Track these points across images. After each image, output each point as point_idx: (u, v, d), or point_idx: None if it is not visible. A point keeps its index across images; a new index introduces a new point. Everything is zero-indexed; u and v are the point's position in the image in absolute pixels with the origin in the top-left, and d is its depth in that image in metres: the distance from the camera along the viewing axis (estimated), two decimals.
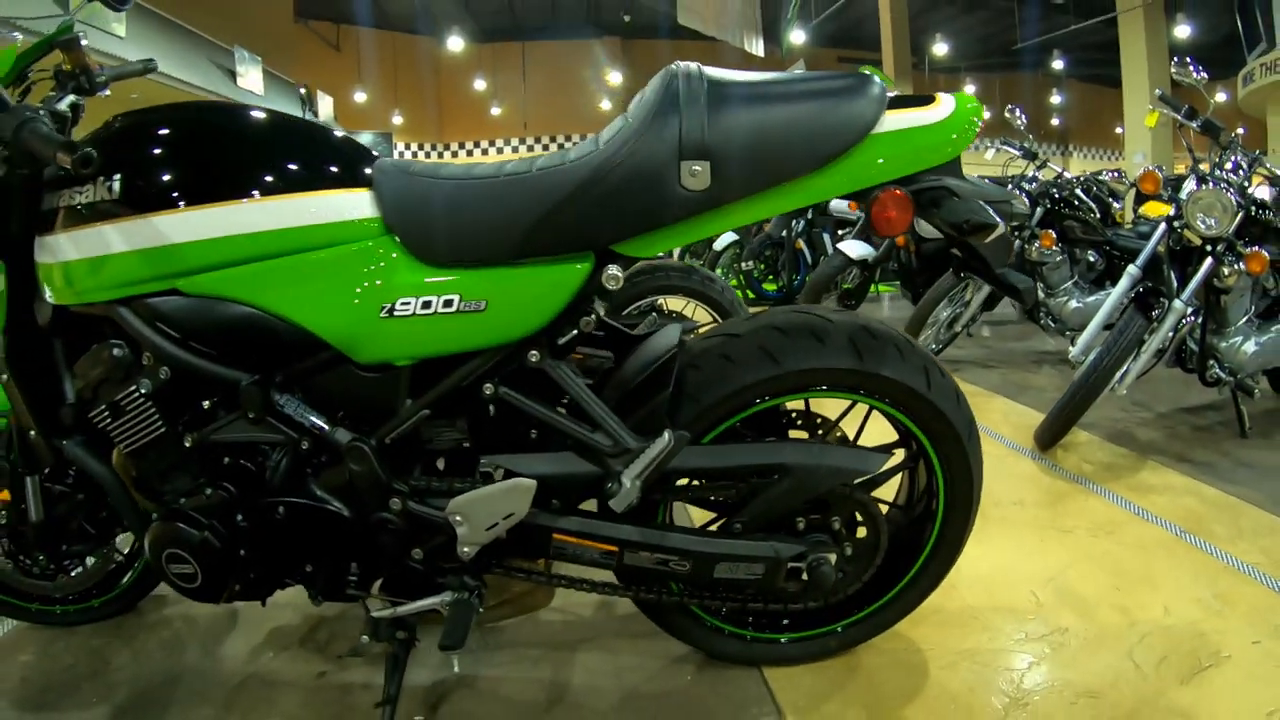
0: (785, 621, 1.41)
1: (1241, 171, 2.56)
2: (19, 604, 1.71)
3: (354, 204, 1.14)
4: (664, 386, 1.17)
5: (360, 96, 17.10)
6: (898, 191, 1.07)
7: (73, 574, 1.67)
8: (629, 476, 1.13)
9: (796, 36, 14.15)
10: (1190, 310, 2.58)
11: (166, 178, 1.14)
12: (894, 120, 1.07)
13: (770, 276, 6.58)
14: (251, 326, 1.15)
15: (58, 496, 1.53)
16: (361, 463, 1.19)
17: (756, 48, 13.34)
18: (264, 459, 1.27)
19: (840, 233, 6.15)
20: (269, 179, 1.14)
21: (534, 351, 1.16)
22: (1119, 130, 21.39)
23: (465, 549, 1.21)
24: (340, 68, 17.82)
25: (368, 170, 1.18)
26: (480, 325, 1.12)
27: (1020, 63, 18.62)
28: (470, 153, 21.41)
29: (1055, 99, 20.99)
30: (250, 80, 8.35)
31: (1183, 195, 2.56)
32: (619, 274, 1.10)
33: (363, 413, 1.21)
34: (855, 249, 4.45)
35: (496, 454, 1.20)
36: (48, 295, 1.23)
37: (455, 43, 15.76)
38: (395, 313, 1.12)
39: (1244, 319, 2.75)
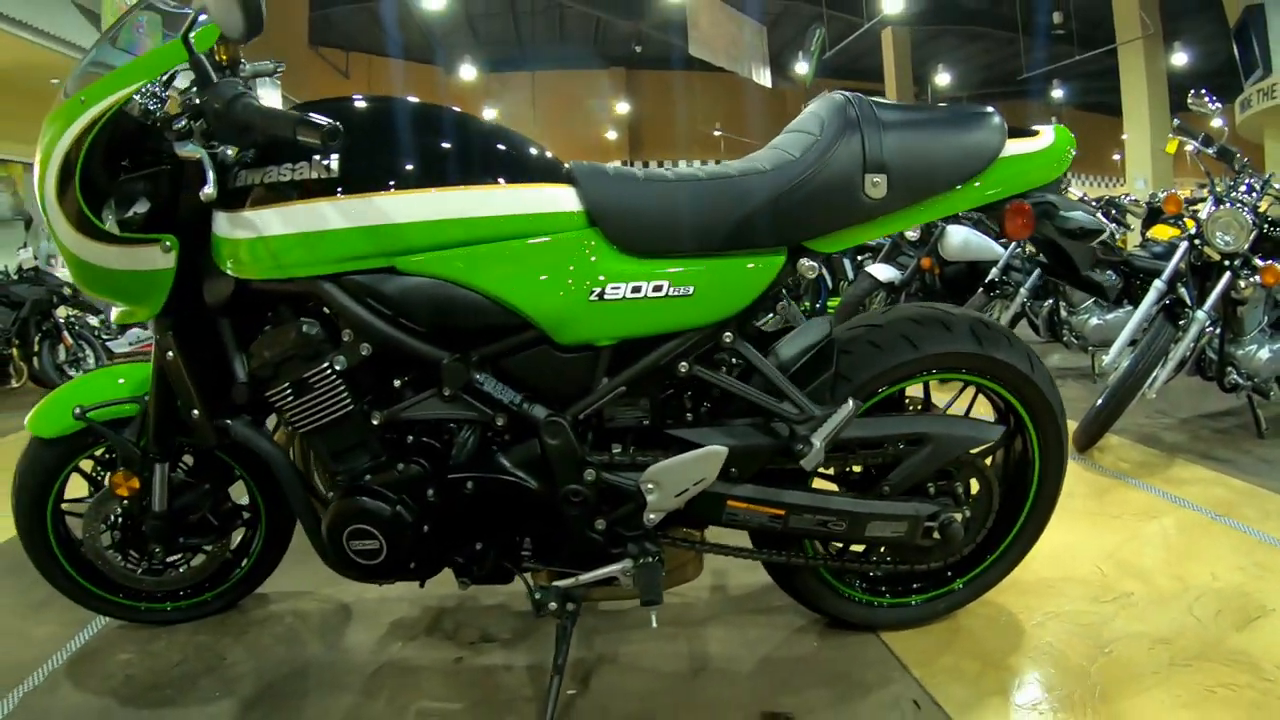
0: (915, 585, 1.62)
1: (1254, 193, 2.85)
2: (127, 603, 1.70)
3: (562, 198, 1.26)
4: (828, 367, 1.36)
5: None
6: (1025, 205, 1.35)
7: (184, 569, 1.68)
8: (819, 438, 1.29)
9: (800, 68, 14.62)
10: (1209, 321, 2.85)
11: (390, 161, 1.23)
12: (1013, 147, 1.32)
13: (792, 300, 6.85)
14: (463, 306, 1.24)
15: (181, 487, 1.57)
16: (558, 437, 1.29)
17: (764, 78, 13.78)
18: (449, 436, 1.35)
19: (860, 258, 6.44)
20: (486, 170, 1.25)
21: (728, 333, 1.32)
22: (1116, 157, 21.93)
23: (651, 516, 1.32)
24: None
25: (564, 169, 1.31)
26: (687, 309, 1.28)
27: (1019, 91, 19.15)
28: None
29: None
30: (269, 101, 8.67)
31: (1202, 215, 2.85)
32: (816, 265, 1.31)
33: (557, 390, 1.31)
34: (883, 272, 4.73)
35: (677, 427, 1.35)
36: (229, 270, 1.27)
37: (467, 71, 16.17)
38: (605, 297, 1.25)
39: (1258, 328, 3.03)
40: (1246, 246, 2.76)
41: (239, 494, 1.74)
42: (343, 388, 1.29)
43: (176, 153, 1.22)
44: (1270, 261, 2.73)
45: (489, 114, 19.92)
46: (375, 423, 1.31)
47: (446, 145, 1.28)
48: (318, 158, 1.21)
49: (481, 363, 1.28)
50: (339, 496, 1.32)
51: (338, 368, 1.29)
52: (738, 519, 1.38)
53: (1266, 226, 2.82)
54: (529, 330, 1.27)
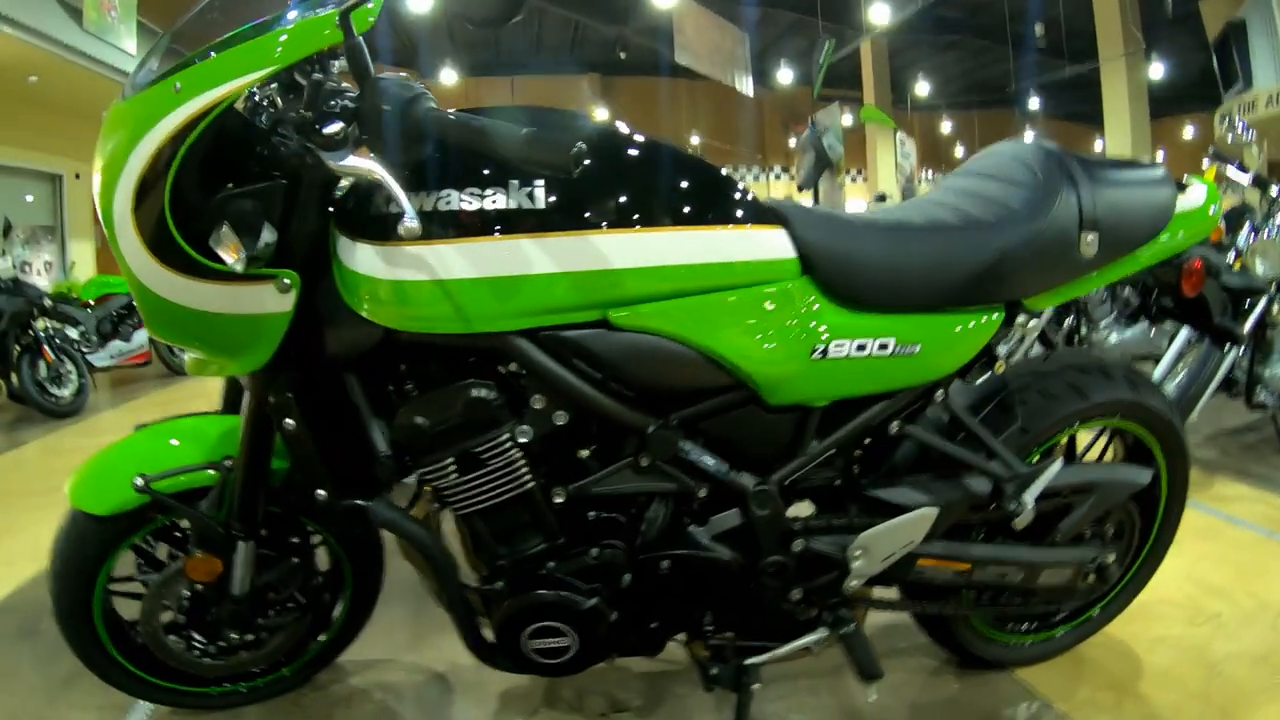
0: (1057, 619, 1.70)
1: None
2: (198, 691, 1.53)
3: (777, 243, 1.15)
4: (1012, 420, 1.36)
5: None
6: (1200, 262, 1.42)
7: (260, 650, 1.49)
8: (1030, 495, 1.28)
9: (784, 76, 14.86)
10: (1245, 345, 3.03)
11: (606, 195, 1.07)
12: (1181, 203, 1.39)
13: None
14: (680, 365, 1.11)
15: (261, 562, 1.38)
16: (767, 506, 1.21)
17: (746, 87, 13.99)
18: (635, 511, 1.23)
19: None
20: (705, 210, 1.11)
21: (940, 391, 1.30)
22: None
23: (854, 583, 1.26)
24: None
25: (773, 210, 1.18)
26: (911, 367, 1.23)
27: (997, 100, 19.63)
28: None
29: (1029, 136, 22.17)
30: None
31: (1241, 243, 3.03)
32: (1038, 321, 1.33)
33: (760, 454, 1.22)
34: None
35: (876, 488, 1.30)
36: (378, 319, 1.08)
37: (448, 75, 16.16)
38: (829, 354, 1.17)
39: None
40: None
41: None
42: (522, 461, 1.13)
43: (332, 167, 1.00)
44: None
45: None
46: (559, 501, 1.17)
47: (666, 181, 1.12)
48: (516, 184, 1.02)
49: (680, 427, 1.17)
50: (512, 589, 1.18)
51: (521, 440, 1.12)
52: (923, 576, 1.36)
53: None
54: (738, 390, 1.17)
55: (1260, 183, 3.13)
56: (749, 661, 1.30)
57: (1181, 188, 1.44)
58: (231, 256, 1.01)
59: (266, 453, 1.29)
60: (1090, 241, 1.28)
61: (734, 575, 1.23)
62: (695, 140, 20.95)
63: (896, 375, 1.24)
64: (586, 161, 0.90)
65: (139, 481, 1.27)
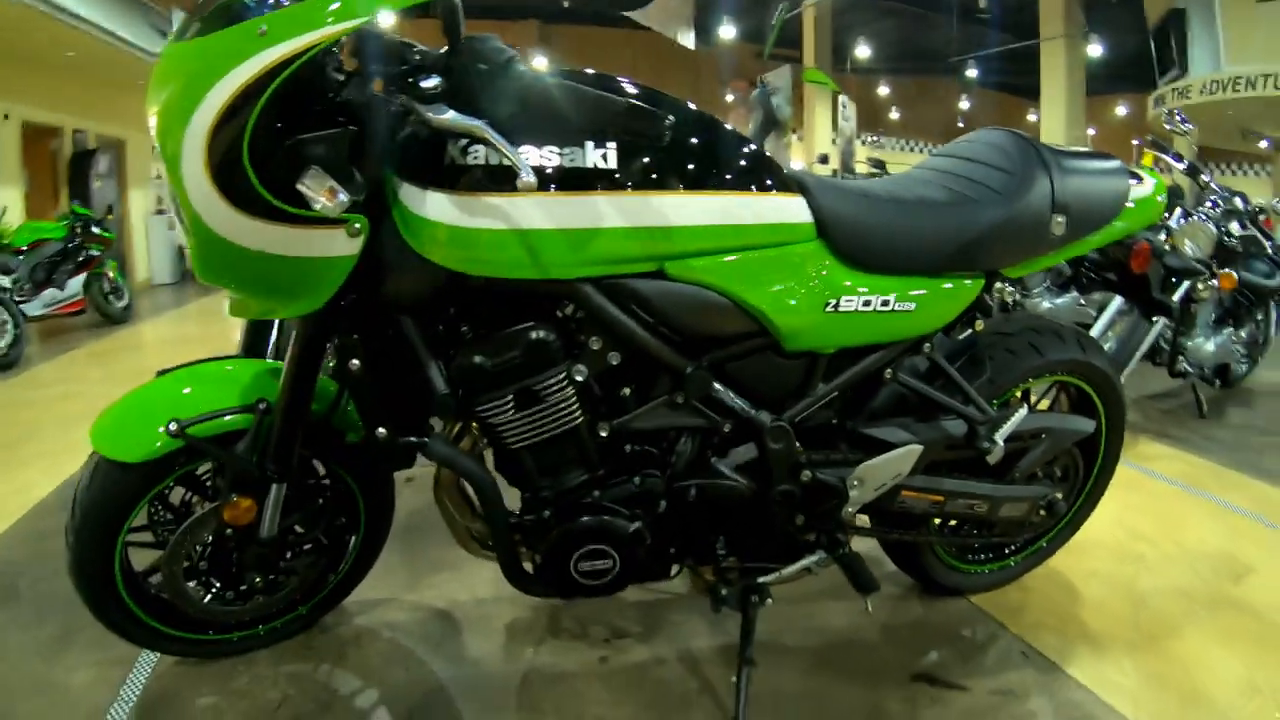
0: (1011, 549, 1.95)
1: (1217, 207, 3.36)
2: (215, 639, 1.55)
3: (797, 208, 1.29)
4: (982, 371, 1.57)
5: None
6: (1147, 245, 1.63)
7: (285, 590, 1.53)
8: (1000, 436, 1.49)
9: (726, 32, 14.90)
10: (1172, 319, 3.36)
11: (667, 160, 1.17)
12: (1134, 192, 1.62)
13: None
14: (718, 313, 1.24)
15: (288, 505, 1.41)
16: (781, 440, 1.37)
17: (688, 41, 14.01)
18: (667, 444, 1.36)
19: None
20: (746, 176, 1.24)
21: (928, 344, 1.50)
22: None
23: (850, 510, 1.44)
24: None
25: (792, 177, 1.32)
26: (906, 322, 1.41)
27: (936, 68, 20.06)
28: None
29: (964, 104, 22.78)
30: None
31: (1172, 225, 3.33)
32: (1013, 288, 1.56)
33: (775, 395, 1.37)
34: None
35: (870, 427, 1.47)
36: (449, 263, 1.13)
37: (385, 18, 15.54)
38: (839, 308, 1.33)
39: (1206, 325, 3.57)
40: (1209, 255, 3.26)
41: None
42: (574, 398, 1.24)
43: (431, 120, 1.03)
44: (1226, 269, 3.24)
45: None
46: (603, 435, 1.29)
47: (718, 150, 1.25)
48: (592, 146, 1.11)
49: (710, 370, 1.31)
50: (561, 517, 1.28)
51: (577, 378, 1.24)
52: (905, 506, 1.55)
53: (1225, 237, 3.33)
54: (761, 337, 1.31)
55: (1192, 170, 3.43)
56: (761, 580, 1.47)
57: (1136, 178, 1.66)
58: (325, 200, 1.03)
59: (309, 395, 1.34)
60: (1060, 222, 1.50)
61: (749, 502, 1.39)
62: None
63: (893, 328, 1.43)
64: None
65: (173, 426, 1.30)
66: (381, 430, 1.26)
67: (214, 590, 1.48)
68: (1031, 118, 20.00)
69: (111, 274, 6.24)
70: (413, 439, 1.27)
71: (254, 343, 1.52)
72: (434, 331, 1.24)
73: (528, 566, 1.40)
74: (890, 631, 1.81)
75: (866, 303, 1.36)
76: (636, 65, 20.20)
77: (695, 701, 1.52)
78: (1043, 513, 1.75)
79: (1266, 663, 1.72)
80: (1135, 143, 22.66)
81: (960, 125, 25.74)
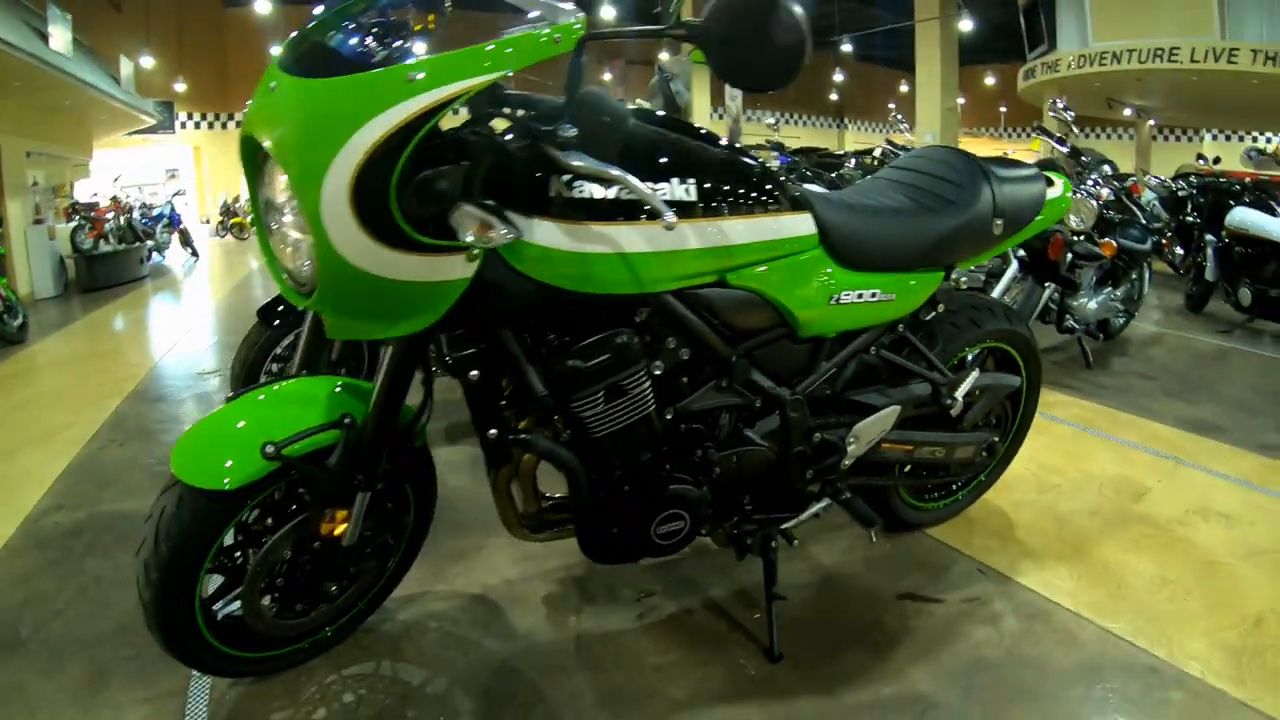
0: (957, 487, 2.33)
1: (1098, 184, 3.89)
2: (293, 649, 1.61)
3: (808, 222, 1.56)
4: (936, 343, 1.92)
5: (147, 61, 15.44)
6: (1061, 237, 2.01)
7: (349, 595, 1.62)
8: (959, 394, 1.86)
9: (607, 12, 15.09)
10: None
11: (729, 189, 1.41)
12: (1048, 193, 2.00)
13: None
14: (758, 311, 1.51)
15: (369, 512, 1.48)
16: (799, 410, 1.65)
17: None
18: (711, 421, 1.57)
19: None
20: (780, 199, 1.49)
21: (901, 325, 1.86)
22: (890, 106, 24.62)
23: (847, 463, 1.73)
24: (122, 29, 15.94)
25: (800, 196, 1.56)
26: (889, 309, 1.74)
27: (815, 44, 20.73)
28: None
29: (837, 76, 23.73)
30: (58, 41, 7.78)
31: None
32: (965, 279, 1.88)
33: (790, 374, 1.65)
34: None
35: (859, 394, 1.78)
36: (556, 283, 1.28)
37: (262, 5, 14.82)
38: (840, 301, 1.63)
39: (1089, 286, 4.12)
40: (1092, 225, 3.78)
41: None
42: (649, 389, 1.43)
43: (566, 165, 1.18)
44: (1107, 238, 3.77)
45: (276, 50, 18.37)
46: (669, 418, 1.49)
47: (758, 180, 1.48)
48: (677, 181, 1.32)
49: (746, 356, 1.57)
50: (643, 490, 1.48)
51: (656, 372, 1.44)
52: (884, 456, 1.87)
53: (1105, 210, 3.86)
54: (782, 327, 1.60)
55: (1074, 153, 3.95)
56: (784, 527, 1.76)
57: (1049, 182, 2.04)
58: (476, 235, 1.15)
59: (399, 407, 1.44)
60: (999, 225, 1.87)
61: (772, 464, 1.66)
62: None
63: (879, 314, 1.76)
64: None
65: (269, 449, 1.32)
66: (493, 431, 1.41)
67: (289, 604, 1.52)
68: (904, 88, 21.09)
69: (3, 291, 5.84)
70: (521, 436, 1.42)
71: (310, 359, 1.58)
72: (525, 341, 1.38)
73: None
74: (870, 564, 2.14)
75: (859, 295, 1.67)
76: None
77: (729, 639, 1.79)
78: (985, 454, 2.12)
79: (1170, 561, 2.16)
80: (1003, 109, 24.30)
81: (834, 98, 26.86)
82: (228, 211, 15.70)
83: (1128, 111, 16.36)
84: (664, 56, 13.33)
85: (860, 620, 1.87)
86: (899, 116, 7.02)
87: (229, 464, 1.34)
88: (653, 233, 1.32)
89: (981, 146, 22.56)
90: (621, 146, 1.23)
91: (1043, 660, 1.73)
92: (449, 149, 1.19)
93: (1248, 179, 5.91)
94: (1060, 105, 3.91)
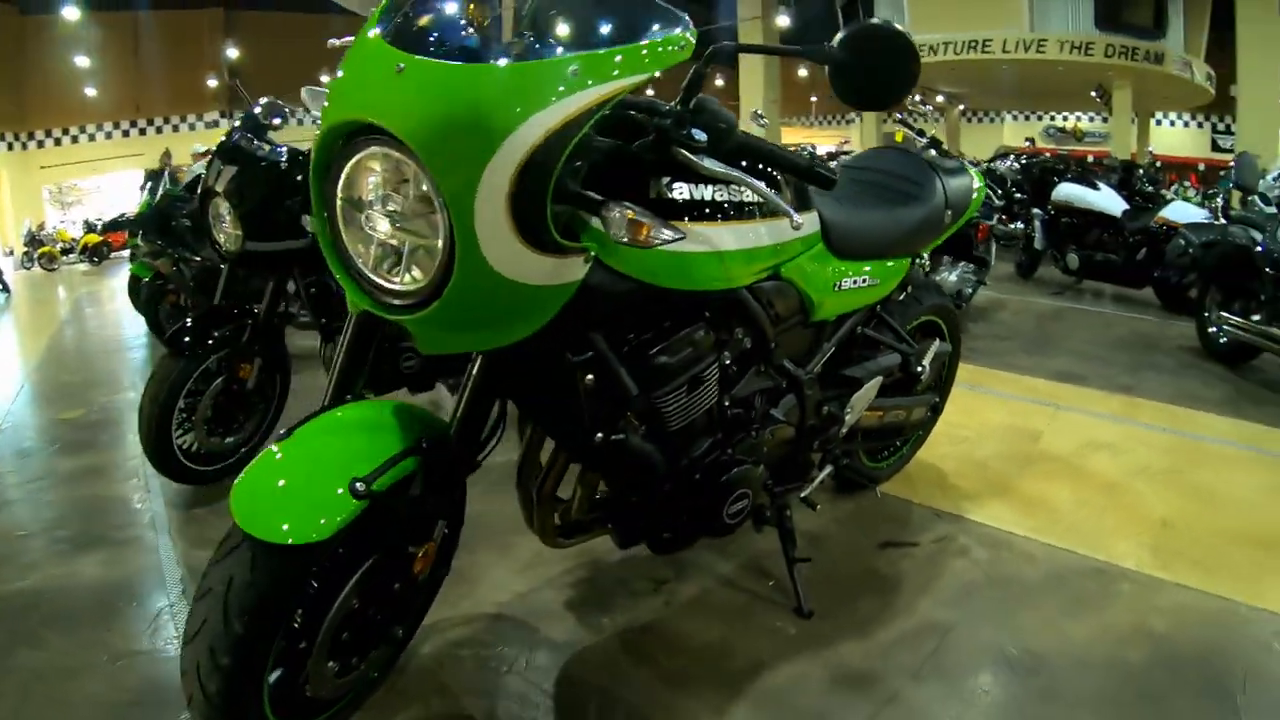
0: (900, 444, 2.65)
1: None
2: (337, 710, 1.47)
3: (817, 220, 1.73)
4: (894, 319, 2.22)
5: None
6: (985, 225, 2.36)
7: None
8: (925, 362, 2.16)
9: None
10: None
11: (787, 192, 1.56)
12: (975, 186, 2.36)
13: None
14: (793, 299, 1.66)
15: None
16: (813, 388, 1.80)
17: None
18: (748, 403, 1.65)
19: None
20: (808, 199, 1.65)
21: (879, 305, 2.10)
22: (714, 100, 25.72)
23: (844, 431, 1.93)
24: None
25: (809, 197, 1.69)
26: (874, 293, 1.97)
27: None
28: (65, 140, 18.25)
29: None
30: None
31: None
32: (926, 262, 2.17)
33: (802, 356, 1.82)
34: None
35: (847, 369, 1.97)
36: (656, 281, 1.30)
37: (70, 12, 13.38)
38: (842, 287, 1.82)
39: (948, 261, 4.67)
40: None
41: None
42: (718, 378, 1.52)
43: (700, 168, 1.20)
44: (982, 221, 4.30)
45: (83, 63, 16.76)
46: (726, 405, 1.57)
47: (801, 182, 1.58)
48: (727, 190, 1.40)
49: (778, 343, 1.70)
50: (714, 473, 1.55)
51: (726, 361, 1.53)
52: (863, 422, 2.08)
53: None
54: (801, 314, 1.75)
55: (934, 143, 4.46)
56: (802, 495, 1.96)
57: (970, 176, 2.40)
58: (633, 235, 1.14)
59: (483, 424, 1.39)
60: (949, 216, 2.19)
61: (791, 439, 1.82)
62: (325, 79, 20.05)
63: (867, 297, 2.00)
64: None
65: (358, 486, 1.16)
66: (600, 435, 1.37)
67: (351, 657, 1.37)
68: (719, 81, 22.16)
69: None
70: (615, 438, 1.40)
71: (345, 384, 1.47)
72: (615, 342, 1.37)
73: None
74: (845, 525, 2.41)
75: (855, 281, 1.89)
76: (322, 50, 19.44)
77: (756, 607, 1.97)
78: (931, 412, 2.46)
79: (1079, 486, 2.60)
80: (813, 99, 26.00)
81: (650, 91, 27.66)
82: (34, 240, 14.15)
83: (940, 99, 18.09)
84: None
85: (856, 571, 2.13)
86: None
87: (316, 509, 1.16)
88: (741, 230, 1.43)
89: (795, 135, 24.13)
90: (729, 151, 1.24)
91: (1016, 577, 2.06)
92: (580, 149, 1.14)
93: (1072, 158, 6.86)
94: (919, 99, 4.43)
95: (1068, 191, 5.83)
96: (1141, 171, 6.22)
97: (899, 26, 1.25)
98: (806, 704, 1.61)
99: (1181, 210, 5.45)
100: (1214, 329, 4.08)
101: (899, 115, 4.59)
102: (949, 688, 1.65)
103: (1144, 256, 5.34)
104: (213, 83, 19.62)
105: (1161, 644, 1.78)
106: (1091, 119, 16.89)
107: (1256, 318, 3.79)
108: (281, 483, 1.21)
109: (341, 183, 1.16)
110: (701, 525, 1.63)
